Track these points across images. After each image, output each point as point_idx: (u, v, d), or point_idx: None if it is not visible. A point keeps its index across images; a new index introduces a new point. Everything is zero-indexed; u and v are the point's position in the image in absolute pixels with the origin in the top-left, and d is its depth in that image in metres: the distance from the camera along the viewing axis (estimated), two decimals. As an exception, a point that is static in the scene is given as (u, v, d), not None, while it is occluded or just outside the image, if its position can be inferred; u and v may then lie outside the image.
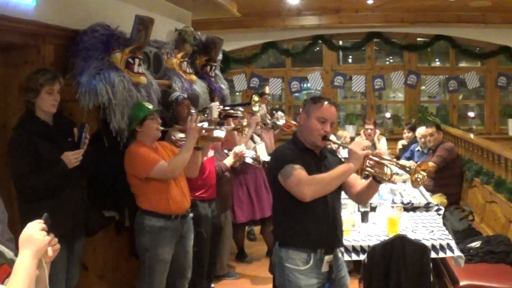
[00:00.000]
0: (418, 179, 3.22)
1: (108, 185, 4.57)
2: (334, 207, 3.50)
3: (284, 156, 3.41)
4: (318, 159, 3.50)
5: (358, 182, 3.56)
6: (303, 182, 3.22)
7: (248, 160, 6.05)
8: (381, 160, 3.36)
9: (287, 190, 3.31)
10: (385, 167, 3.32)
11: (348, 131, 10.40)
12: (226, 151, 5.95)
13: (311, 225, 3.39)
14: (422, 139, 7.94)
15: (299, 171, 3.27)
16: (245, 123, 5.09)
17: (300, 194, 3.24)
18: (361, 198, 3.67)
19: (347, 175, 3.33)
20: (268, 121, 6.83)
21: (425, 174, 3.23)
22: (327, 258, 3.42)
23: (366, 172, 3.37)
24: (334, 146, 5.70)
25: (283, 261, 3.43)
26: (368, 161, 3.33)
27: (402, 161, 5.27)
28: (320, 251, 3.39)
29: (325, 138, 3.43)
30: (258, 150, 6.55)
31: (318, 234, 3.40)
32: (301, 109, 3.68)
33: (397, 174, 7.10)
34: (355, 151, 3.24)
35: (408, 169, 3.29)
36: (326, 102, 3.43)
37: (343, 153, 5.63)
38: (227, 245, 6.38)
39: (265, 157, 6.54)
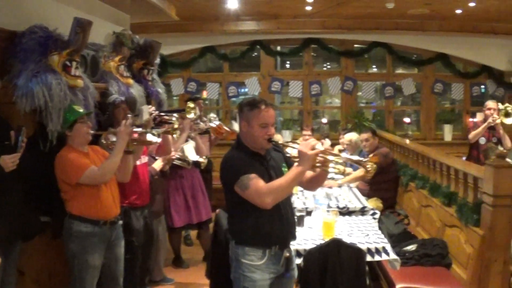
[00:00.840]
0: (369, 169, 3.36)
1: (42, 189, 4.44)
2: (286, 204, 3.62)
3: (237, 166, 3.46)
4: (265, 161, 3.58)
5: (307, 172, 3.62)
6: (263, 193, 3.33)
7: (176, 162, 6.00)
8: (331, 155, 3.50)
9: (246, 199, 3.40)
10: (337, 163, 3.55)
11: (284, 136, 10.38)
12: (153, 155, 5.83)
13: (265, 224, 3.49)
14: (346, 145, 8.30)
15: (255, 181, 3.36)
16: (176, 126, 5.01)
17: (261, 204, 3.36)
18: (312, 186, 3.87)
19: (301, 177, 3.44)
20: (201, 123, 6.72)
21: (375, 165, 3.38)
22: (285, 252, 3.58)
23: (317, 168, 3.52)
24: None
25: (239, 257, 3.54)
26: (318, 158, 3.45)
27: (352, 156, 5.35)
28: (274, 248, 3.53)
29: (271, 140, 3.51)
30: (186, 150, 6.45)
31: (272, 232, 3.51)
32: (237, 115, 3.76)
33: (333, 178, 7.15)
34: (304, 152, 3.32)
35: (362, 161, 3.43)
36: (263, 106, 3.47)
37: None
38: (162, 251, 6.28)
39: (193, 157, 6.47)
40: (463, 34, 11.26)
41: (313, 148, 3.33)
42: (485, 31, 11.22)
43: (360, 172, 6.82)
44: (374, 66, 12.84)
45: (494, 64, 11.98)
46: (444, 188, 5.90)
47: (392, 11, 9.73)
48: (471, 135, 7.67)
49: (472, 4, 9.31)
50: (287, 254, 3.58)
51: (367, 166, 3.35)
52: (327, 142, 8.53)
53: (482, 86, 12.28)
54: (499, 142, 7.54)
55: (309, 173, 3.62)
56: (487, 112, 7.63)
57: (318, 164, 3.47)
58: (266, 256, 3.50)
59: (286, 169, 3.63)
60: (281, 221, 3.53)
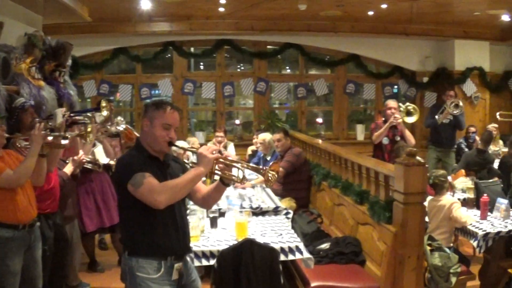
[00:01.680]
0: (270, 178, 3.33)
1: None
2: (181, 214, 3.51)
3: (131, 165, 3.31)
4: (163, 166, 3.47)
5: (203, 187, 3.65)
6: (156, 190, 3.18)
7: (87, 165, 5.84)
8: (231, 162, 3.41)
9: (139, 198, 3.23)
10: (237, 170, 3.42)
11: (198, 138, 10.28)
12: (63, 159, 5.64)
13: (160, 233, 3.35)
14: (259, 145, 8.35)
15: (149, 179, 3.21)
16: (89, 129, 4.93)
17: (153, 202, 3.18)
18: (207, 201, 3.71)
19: (198, 179, 3.35)
20: (108, 126, 6.56)
21: (275, 173, 3.35)
22: (177, 265, 3.41)
23: (216, 176, 3.43)
24: (180, 151, 5.64)
25: (134, 270, 3.34)
26: (217, 164, 3.38)
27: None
28: (170, 259, 3.37)
29: (171, 144, 3.41)
30: (96, 154, 6.37)
31: (167, 242, 3.37)
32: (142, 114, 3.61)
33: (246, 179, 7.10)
34: (204, 154, 3.28)
35: (261, 170, 3.38)
36: (168, 108, 3.39)
37: (193, 159, 5.55)
38: (77, 255, 6.09)
39: (104, 160, 6.37)
40: (375, 35, 11.56)
41: (213, 153, 3.29)
42: (397, 32, 11.55)
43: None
44: (287, 67, 12.93)
45: (406, 64, 12.37)
46: (356, 186, 5.95)
47: (304, 13, 9.82)
48: (374, 136, 7.74)
49: (384, 6, 9.52)
50: (179, 266, 3.43)
51: (269, 175, 3.33)
52: (230, 150, 8.56)
53: (395, 86, 12.61)
54: (403, 140, 7.61)
55: (204, 188, 3.61)
56: (388, 111, 7.72)
57: (217, 172, 3.40)
58: (163, 268, 3.34)
59: None
60: (176, 231, 3.42)
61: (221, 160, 3.36)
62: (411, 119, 7.85)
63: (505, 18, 10.62)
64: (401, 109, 7.84)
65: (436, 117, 9.11)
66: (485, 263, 5.62)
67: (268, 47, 11.83)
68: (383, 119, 7.86)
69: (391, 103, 7.87)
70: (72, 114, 5.45)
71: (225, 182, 3.48)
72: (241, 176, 3.40)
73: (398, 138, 7.56)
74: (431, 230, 5.47)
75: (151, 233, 3.33)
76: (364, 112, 13.08)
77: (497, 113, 7.98)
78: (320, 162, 7.78)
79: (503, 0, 9.16)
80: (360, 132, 12.28)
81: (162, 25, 10.91)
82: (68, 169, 5.52)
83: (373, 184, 5.53)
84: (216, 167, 3.39)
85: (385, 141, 7.62)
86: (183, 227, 3.49)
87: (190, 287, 3.56)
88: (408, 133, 7.65)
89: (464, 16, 10.66)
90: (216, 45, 11.46)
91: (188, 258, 3.61)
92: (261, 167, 3.48)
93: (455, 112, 8.94)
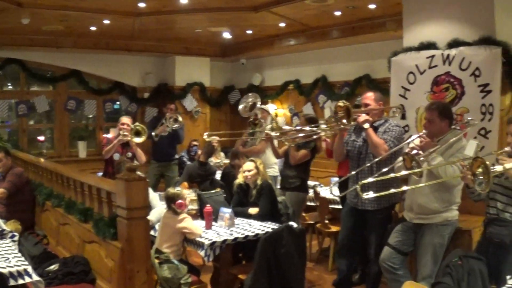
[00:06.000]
0: None
1: None
2: None
3: None
4: None
5: None
6: None
7: None
8: None
9: None
10: None
11: None
12: None
13: None
14: None
15: None
16: None
17: None
18: None
19: None
20: None
21: None
22: None
23: None
24: None
25: None
26: None
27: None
28: None
29: None
30: None
31: None
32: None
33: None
34: None
35: None
36: None
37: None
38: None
39: None
40: (97, 51, 11.60)
41: None
42: (119, 48, 11.71)
43: None
44: (8, 84, 12.34)
45: (127, 80, 12.58)
46: (80, 204, 5.91)
47: (26, 27, 9.53)
48: (104, 151, 7.77)
49: (106, 21, 9.61)
50: None
51: None
52: None
53: (117, 102, 12.75)
54: (134, 157, 7.78)
55: None
56: (121, 127, 7.82)
57: None
58: None
59: None
60: None
61: None
62: (139, 139, 7.91)
63: (226, 35, 11.38)
64: (132, 128, 7.89)
65: (153, 134, 9.13)
66: (215, 271, 5.82)
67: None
68: (117, 134, 7.90)
69: (124, 119, 7.99)
70: None
71: None
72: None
73: (130, 155, 7.70)
74: (159, 243, 5.54)
75: None
76: (86, 128, 13.02)
77: (205, 134, 8.44)
78: (42, 181, 7.58)
79: (224, 18, 9.78)
80: (82, 149, 12.20)
81: None
82: None
83: (96, 201, 5.51)
84: None
85: (116, 157, 7.65)
86: None
87: None
88: (139, 151, 7.84)
89: (186, 33, 11.17)
90: None
91: None
92: None
93: (174, 126, 9.10)
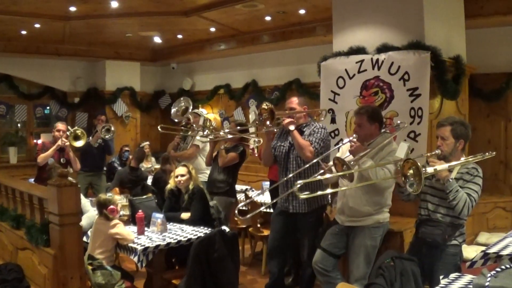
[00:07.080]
0: None
1: None
2: None
3: None
4: None
5: None
6: None
7: None
8: None
9: None
10: None
11: None
12: None
13: None
14: None
15: None
16: None
17: None
18: None
19: None
20: None
21: None
22: None
23: None
24: None
25: None
26: None
27: None
28: None
29: None
30: None
31: None
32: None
33: None
34: None
35: None
36: None
37: None
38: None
39: None
40: (27, 55, 11.45)
41: None
42: (49, 52, 11.60)
43: None
44: None
45: (58, 85, 12.47)
46: (12, 211, 5.87)
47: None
48: (40, 158, 7.66)
49: (37, 25, 9.53)
50: None
51: None
52: None
53: (48, 107, 12.60)
54: (68, 163, 7.74)
55: None
56: (57, 133, 7.78)
57: None
58: None
59: None
60: None
61: None
62: (79, 143, 7.93)
63: (156, 40, 11.42)
64: (69, 132, 7.90)
65: (91, 143, 8.97)
66: (148, 277, 5.86)
67: None
68: (52, 139, 7.86)
69: (60, 125, 7.95)
70: None
71: None
72: None
73: (64, 161, 7.66)
74: (91, 249, 5.48)
75: None
76: (16, 134, 12.81)
77: (159, 126, 8.39)
78: (-26, 189, 7.43)
79: (154, 23, 9.83)
80: (13, 155, 12.04)
81: None
82: None
83: (28, 208, 5.48)
84: None
85: (50, 161, 7.52)
86: None
87: None
88: (73, 157, 7.82)
89: (116, 37, 11.17)
90: None
91: None
92: None
93: (107, 136, 8.96)
